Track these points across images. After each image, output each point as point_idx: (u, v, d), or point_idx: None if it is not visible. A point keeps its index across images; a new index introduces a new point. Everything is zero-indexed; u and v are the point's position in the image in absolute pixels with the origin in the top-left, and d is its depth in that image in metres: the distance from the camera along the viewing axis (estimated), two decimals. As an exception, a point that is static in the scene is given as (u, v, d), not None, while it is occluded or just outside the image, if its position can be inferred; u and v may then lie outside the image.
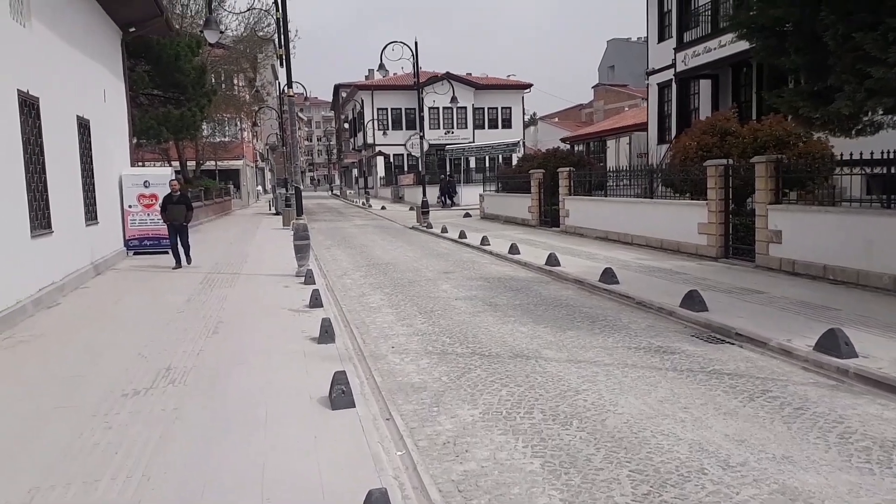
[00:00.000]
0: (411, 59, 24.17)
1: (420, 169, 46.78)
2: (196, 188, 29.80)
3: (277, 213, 33.36)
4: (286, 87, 12.47)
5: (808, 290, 9.78)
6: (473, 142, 53.28)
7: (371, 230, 24.92)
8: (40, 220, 10.60)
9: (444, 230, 21.57)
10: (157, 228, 16.97)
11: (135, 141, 27.11)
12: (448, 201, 38.91)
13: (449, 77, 54.65)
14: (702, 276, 11.29)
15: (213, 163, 40.51)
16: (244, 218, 33.56)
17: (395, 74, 63.59)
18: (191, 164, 36.60)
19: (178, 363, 6.81)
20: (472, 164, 52.11)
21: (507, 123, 60.87)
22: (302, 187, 12.83)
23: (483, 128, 59.57)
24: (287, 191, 35.35)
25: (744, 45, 20.29)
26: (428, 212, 25.16)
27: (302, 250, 12.63)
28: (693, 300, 8.72)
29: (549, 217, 21.67)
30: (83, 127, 13.64)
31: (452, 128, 57.09)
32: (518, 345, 7.48)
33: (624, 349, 7.22)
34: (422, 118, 26.15)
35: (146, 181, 16.93)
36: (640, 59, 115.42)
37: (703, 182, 13.73)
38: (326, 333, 7.53)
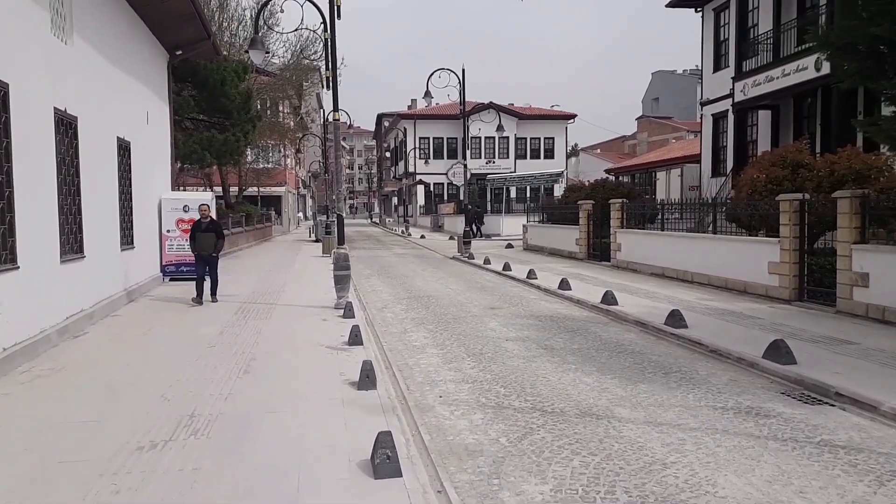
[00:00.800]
0: (458, 87, 23.66)
1: (461, 198, 46.41)
2: (237, 213, 29.64)
3: (317, 241, 33.00)
4: (332, 112, 11.93)
5: (907, 342, 8.67)
6: (515, 171, 52.62)
7: (411, 260, 24.24)
8: (71, 244, 10.13)
9: (487, 261, 20.75)
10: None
11: (178, 165, 27.17)
12: (476, 232, 37.94)
13: (493, 106, 54.48)
14: (778, 322, 10.22)
15: (255, 189, 40.59)
16: (284, 244, 33.28)
17: (437, 104, 63.73)
18: (234, 189, 36.70)
19: (204, 409, 6.09)
20: (513, 194, 51.34)
21: (549, 154, 60.18)
22: (344, 215, 12.18)
23: (525, 158, 58.95)
24: (328, 218, 35.09)
25: (810, 74, 19.41)
26: (470, 242, 24.41)
27: (342, 281, 11.95)
28: (779, 351, 7.71)
29: (598, 250, 20.70)
30: (123, 149, 13.30)
31: (494, 157, 56.61)
32: (585, 400, 6.57)
33: (709, 409, 6.25)
34: (465, 147, 25.49)
35: (185, 206, 16.54)
36: (685, 91, 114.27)
37: (774, 217, 12.69)
38: (367, 379, 6.74)
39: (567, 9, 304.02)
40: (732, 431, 5.64)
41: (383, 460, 4.57)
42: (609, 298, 12.05)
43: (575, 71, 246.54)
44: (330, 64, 11.69)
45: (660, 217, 17.18)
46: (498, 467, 4.94)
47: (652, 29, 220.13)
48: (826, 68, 17.94)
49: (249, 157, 38.03)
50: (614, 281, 15.76)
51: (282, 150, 41.97)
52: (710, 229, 15.07)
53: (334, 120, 11.86)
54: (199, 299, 12.66)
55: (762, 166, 13.88)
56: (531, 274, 16.48)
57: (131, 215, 13.84)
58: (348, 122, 33.37)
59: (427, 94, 23.42)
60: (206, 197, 17.32)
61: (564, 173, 41.21)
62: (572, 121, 61.33)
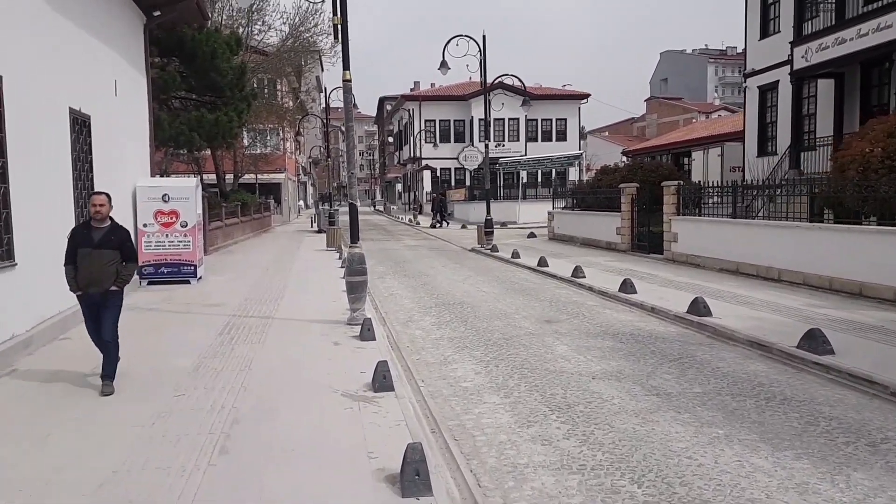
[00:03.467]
0: (478, 56, 20.87)
1: (475, 182, 43.58)
2: (232, 203, 26.93)
3: (320, 231, 30.32)
4: (343, 71, 9.21)
5: None
6: (526, 154, 49.79)
7: (426, 252, 21.57)
8: (-8, 248, 7.48)
9: (516, 255, 18.06)
10: (178, 253, 13.90)
11: (164, 149, 24.49)
12: (440, 221, 35.41)
13: (503, 86, 51.47)
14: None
15: (253, 176, 37.81)
16: (284, 236, 30.58)
17: (440, 86, 60.75)
18: (229, 177, 33.97)
19: (140, 550, 3.46)
20: (524, 178, 48.60)
21: (561, 136, 57.28)
22: (358, 203, 9.50)
23: (536, 140, 56.11)
24: (331, 206, 32.34)
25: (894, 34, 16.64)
26: (492, 232, 21.72)
27: (357, 289, 9.28)
28: None
29: (643, 241, 18.01)
30: (80, 124, 10.61)
31: (504, 140, 53.78)
32: (786, 514, 3.94)
33: None
34: (487, 125, 22.76)
35: (165, 195, 13.86)
36: (694, 71, 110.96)
37: (898, 201, 10.07)
38: (417, 477, 4.10)
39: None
40: None
41: None
42: (700, 308, 9.38)
43: (579, 54, 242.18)
44: (339, 9, 8.96)
45: (732, 202, 14.43)
46: None
47: (661, 7, 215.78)
48: (917, 24, 15.24)
49: (246, 141, 35.27)
50: (680, 279, 13.09)
51: (280, 133, 39.13)
52: (804, 217, 12.38)
53: (344, 81, 9.16)
54: (108, 380, 6.39)
55: (875, 137, 11.17)
56: (578, 272, 13.80)
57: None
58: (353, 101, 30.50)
59: (443, 65, 20.66)
60: (191, 184, 14.62)
61: (584, 155, 38.36)
62: (585, 101, 58.35)
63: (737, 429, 5.25)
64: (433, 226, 35.47)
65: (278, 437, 5.09)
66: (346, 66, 9.20)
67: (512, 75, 22.42)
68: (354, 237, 9.50)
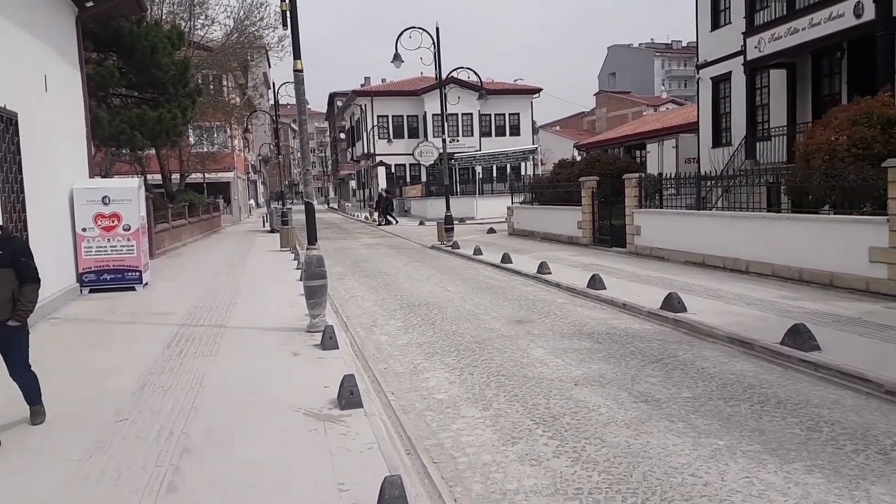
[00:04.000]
0: (431, 48, 20.31)
1: (431, 178, 42.93)
2: (179, 204, 25.80)
3: (272, 231, 29.36)
4: (294, 61, 8.56)
5: None
6: (480, 150, 49.47)
7: (386, 251, 20.97)
8: None
9: (478, 251, 17.63)
10: (121, 258, 13.03)
11: (104, 149, 23.23)
12: (385, 219, 34.88)
13: (455, 81, 50.96)
14: (929, 333, 7.41)
15: (200, 175, 36.48)
16: (235, 236, 29.52)
17: (391, 82, 59.81)
18: (176, 177, 32.65)
19: None
20: (479, 173, 48.28)
21: (515, 130, 57.18)
22: (315, 203, 8.90)
23: (490, 135, 55.84)
24: (283, 205, 31.37)
25: (848, 22, 16.66)
26: (452, 228, 21.24)
27: (316, 294, 8.66)
28: None
29: (606, 234, 17.78)
30: (5, 122, 9.72)
31: (458, 135, 53.25)
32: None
33: None
34: (443, 119, 22.26)
35: (105, 196, 12.95)
36: (641, 65, 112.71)
37: (864, 190, 9.94)
38: (399, 514, 3.58)
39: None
40: None
41: None
42: (675, 304, 9.07)
43: (526, 49, 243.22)
44: (288, -7, 8.30)
45: (696, 193, 14.25)
46: None
47: (606, 2, 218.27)
48: (869, 13, 15.32)
49: (192, 139, 33.97)
50: (647, 273, 12.84)
51: (228, 130, 37.85)
52: (762, 207, 12.25)
53: (295, 71, 8.51)
54: (36, 406, 5.56)
55: (839, 126, 11.07)
56: (543, 268, 13.43)
57: (24, 212, 10.28)
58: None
59: (396, 58, 20.03)
60: (132, 185, 13.72)
61: (538, 149, 38.19)
62: (537, 95, 58.30)
63: (737, 438, 4.88)
64: (380, 224, 34.95)
65: (235, 469, 4.50)
66: (296, 56, 8.56)
67: (467, 68, 22.02)
68: (312, 238, 8.87)
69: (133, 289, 13.07)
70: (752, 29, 20.02)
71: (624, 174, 17.34)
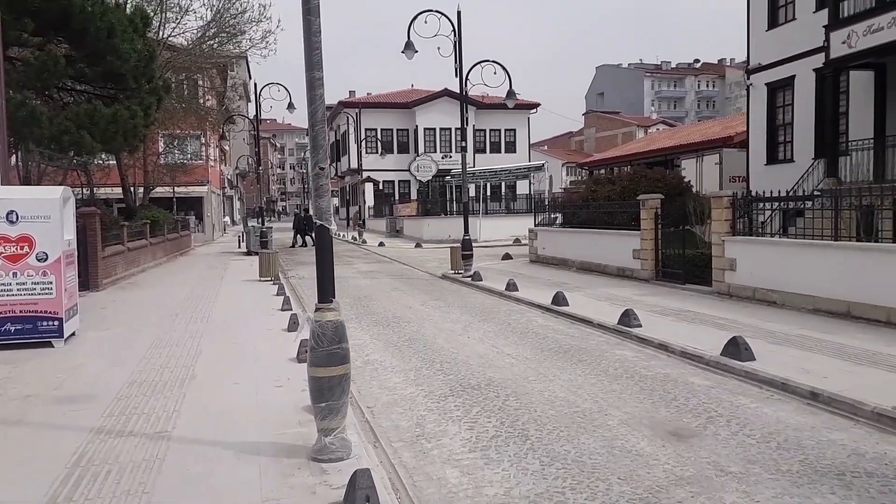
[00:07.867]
0: (451, 36, 16.64)
1: (425, 196, 39.15)
2: (139, 222, 21.67)
3: (249, 253, 25.32)
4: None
5: None
6: (474, 166, 45.92)
7: (390, 282, 17.10)
8: None
9: (512, 286, 13.83)
10: (32, 300, 9.05)
11: (43, 153, 19.23)
12: (303, 242, 31.48)
13: (448, 93, 47.52)
14: None
15: (168, 189, 32.27)
16: (206, 260, 25.35)
17: (379, 94, 56.22)
18: (141, 190, 28.53)
19: None
20: (473, 191, 44.62)
21: (510, 147, 53.96)
22: (334, 227, 4.98)
23: (485, 151, 52.50)
24: (262, 224, 27.34)
25: None
26: (471, 255, 17.48)
27: (330, 393, 4.74)
28: None
29: (675, 267, 14.09)
30: None
31: (451, 151, 49.67)
32: None
33: None
34: (462, 122, 18.65)
35: (11, 212, 8.97)
36: (630, 85, 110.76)
37: None
38: None
39: (505, 12, 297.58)
40: None
41: None
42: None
43: (517, 67, 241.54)
44: None
45: (833, 217, 10.59)
46: None
47: (597, 23, 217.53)
48: None
49: (161, 147, 29.89)
50: (790, 330, 9.10)
51: (202, 138, 33.71)
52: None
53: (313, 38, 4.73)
54: None
55: None
56: (628, 318, 9.64)
57: None
58: (288, 100, 25.84)
59: (408, 47, 16.33)
60: (54, 195, 9.63)
61: (545, 166, 34.68)
62: (534, 111, 55.12)
63: None
64: (293, 245, 31.97)
65: None
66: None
67: (493, 62, 18.27)
68: (325, 292, 4.94)
69: (49, 344, 9.08)
70: (838, 21, 16.59)
71: (675, 192, 13.81)
